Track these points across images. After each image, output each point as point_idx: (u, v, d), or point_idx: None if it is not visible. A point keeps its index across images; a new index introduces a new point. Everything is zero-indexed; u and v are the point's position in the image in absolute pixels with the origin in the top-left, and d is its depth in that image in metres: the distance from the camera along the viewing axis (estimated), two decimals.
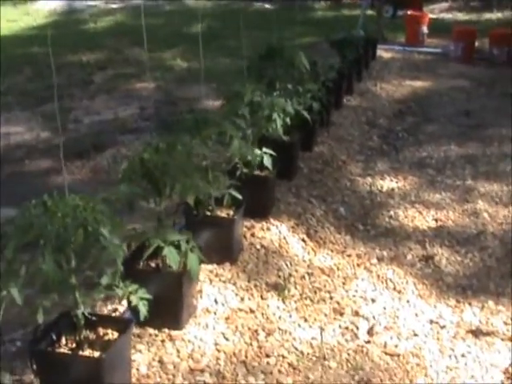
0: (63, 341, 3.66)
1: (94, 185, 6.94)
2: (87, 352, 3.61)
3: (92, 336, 3.69)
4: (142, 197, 4.16)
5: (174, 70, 12.71)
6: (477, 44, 14.16)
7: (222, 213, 5.33)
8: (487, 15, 18.94)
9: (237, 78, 6.89)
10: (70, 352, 3.60)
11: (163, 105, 10.15)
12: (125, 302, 4.47)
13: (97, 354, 3.60)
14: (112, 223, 3.43)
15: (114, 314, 4.47)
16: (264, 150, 5.84)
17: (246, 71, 6.43)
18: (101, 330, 3.74)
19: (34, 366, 3.55)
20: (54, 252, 3.25)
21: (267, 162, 5.79)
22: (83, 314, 3.55)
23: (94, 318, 3.63)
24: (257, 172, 5.98)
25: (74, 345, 3.65)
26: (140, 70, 12.14)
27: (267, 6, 18.00)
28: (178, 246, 4.10)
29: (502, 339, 4.87)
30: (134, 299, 3.55)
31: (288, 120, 6.18)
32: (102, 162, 7.96)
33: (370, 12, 15.54)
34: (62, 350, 3.60)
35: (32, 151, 8.43)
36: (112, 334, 3.73)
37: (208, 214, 5.23)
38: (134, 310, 4.10)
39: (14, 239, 3.30)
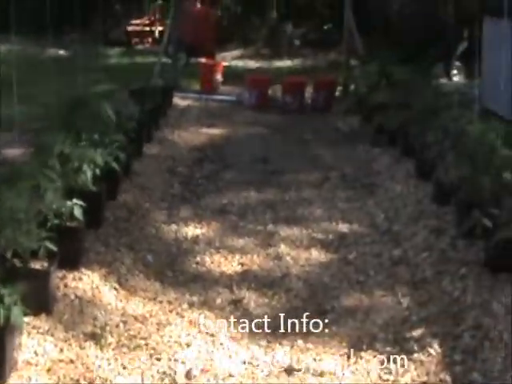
0: None
1: None
2: None
3: None
4: None
5: None
6: (270, 92, 14.73)
7: (37, 264, 5.33)
8: (277, 63, 19.70)
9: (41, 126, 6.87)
10: None
11: None
12: None
13: None
14: None
15: None
16: (74, 201, 5.89)
17: (53, 121, 6.48)
18: None
19: None
20: None
21: (78, 213, 5.86)
22: None
23: None
24: (67, 223, 6.04)
25: None
26: None
27: (61, 52, 17.76)
28: (1, 300, 4.09)
29: (313, 375, 5.13)
30: None
31: (98, 171, 6.29)
32: None
33: (163, 59, 15.70)
34: None
35: None
36: None
37: (21, 266, 5.23)
38: None
39: None
